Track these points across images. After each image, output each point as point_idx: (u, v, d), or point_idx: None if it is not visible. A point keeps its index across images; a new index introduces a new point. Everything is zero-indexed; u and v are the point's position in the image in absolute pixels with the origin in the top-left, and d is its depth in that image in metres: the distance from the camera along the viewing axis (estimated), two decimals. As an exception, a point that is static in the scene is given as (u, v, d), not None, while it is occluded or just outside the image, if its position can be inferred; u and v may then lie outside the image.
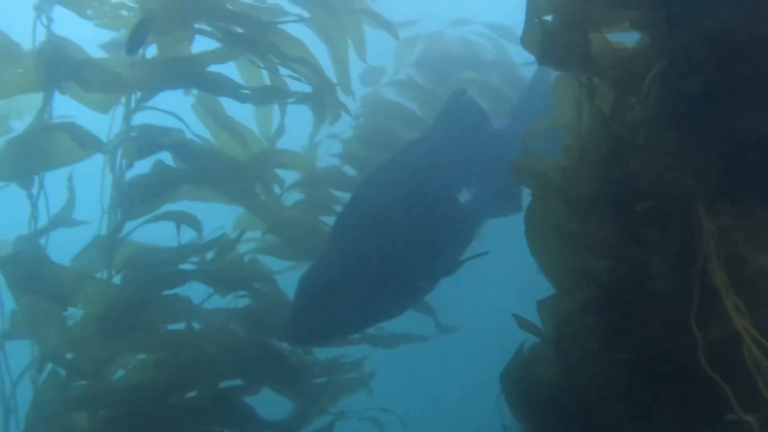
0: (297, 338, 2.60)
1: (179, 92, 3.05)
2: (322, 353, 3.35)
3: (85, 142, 2.63)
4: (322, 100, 3.21)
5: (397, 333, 3.44)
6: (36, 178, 2.62)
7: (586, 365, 1.57)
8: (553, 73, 3.54)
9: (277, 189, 3.29)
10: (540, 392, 1.84)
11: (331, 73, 3.37)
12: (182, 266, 2.99)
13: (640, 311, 1.50)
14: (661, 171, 1.42)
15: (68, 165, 2.73)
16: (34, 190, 2.63)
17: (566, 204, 1.61)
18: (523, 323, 1.67)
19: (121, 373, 2.77)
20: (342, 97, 3.33)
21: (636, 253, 1.48)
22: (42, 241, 2.64)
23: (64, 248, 2.81)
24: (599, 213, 1.57)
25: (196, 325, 2.98)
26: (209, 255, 3.07)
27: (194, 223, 3.01)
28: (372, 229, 2.64)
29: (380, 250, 2.57)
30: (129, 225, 2.91)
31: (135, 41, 2.50)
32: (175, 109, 2.98)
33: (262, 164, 3.14)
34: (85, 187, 2.89)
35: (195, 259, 3.05)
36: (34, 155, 2.58)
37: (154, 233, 3.09)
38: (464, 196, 2.83)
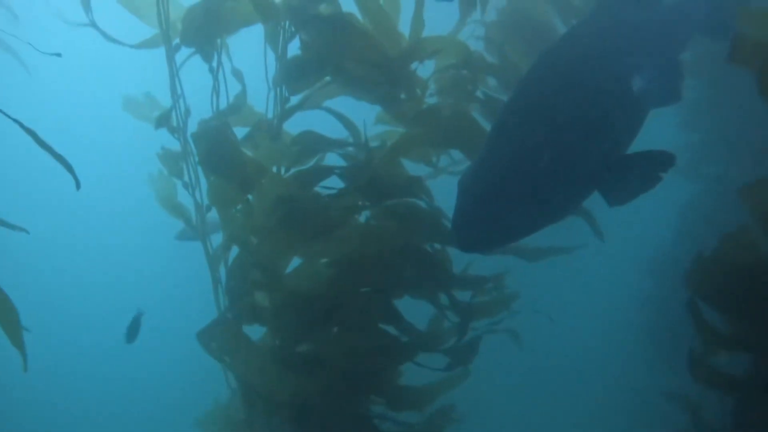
0: (463, 243, 2.34)
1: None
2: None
3: (262, 5, 2.64)
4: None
5: (543, 246, 3.44)
6: (215, 54, 2.69)
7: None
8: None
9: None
10: (742, 277, 1.82)
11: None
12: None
13: None
14: None
15: (243, 27, 2.77)
16: (215, 63, 2.71)
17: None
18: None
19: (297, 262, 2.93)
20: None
21: None
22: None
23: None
24: None
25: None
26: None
27: (348, 123, 3.05)
28: (538, 124, 2.39)
29: (548, 146, 2.31)
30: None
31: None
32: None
33: (413, 55, 3.06)
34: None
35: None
36: (214, 20, 2.63)
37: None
38: (636, 83, 2.58)
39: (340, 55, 2.90)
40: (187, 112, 2.80)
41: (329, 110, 3.20)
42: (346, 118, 3.20)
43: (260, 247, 2.80)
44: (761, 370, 2.40)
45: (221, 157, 2.63)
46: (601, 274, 8.09)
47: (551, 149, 2.31)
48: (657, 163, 2.37)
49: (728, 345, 2.52)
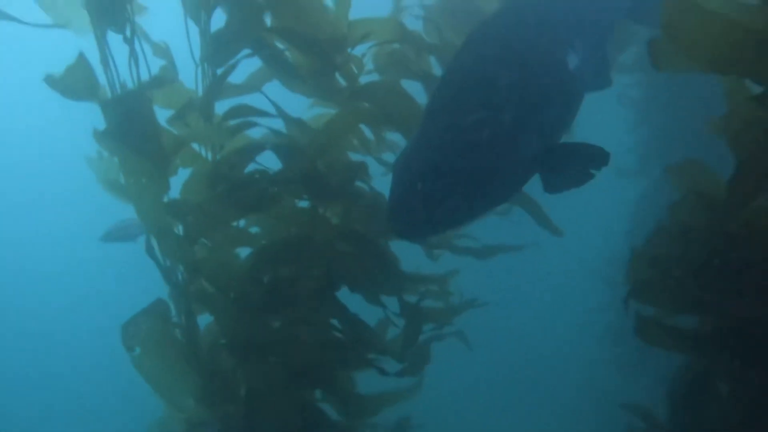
0: (398, 229, 2.20)
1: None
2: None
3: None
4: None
5: (491, 244, 3.38)
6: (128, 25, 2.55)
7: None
8: None
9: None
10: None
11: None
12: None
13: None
14: None
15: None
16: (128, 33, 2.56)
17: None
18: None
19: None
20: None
21: None
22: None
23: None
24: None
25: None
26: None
27: (280, 111, 2.97)
28: (474, 101, 2.26)
29: (485, 125, 2.20)
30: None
31: None
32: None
33: (349, 40, 2.98)
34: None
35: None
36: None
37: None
38: (572, 61, 2.49)
39: (263, 23, 2.78)
40: (123, 86, 2.63)
41: (263, 94, 3.10)
42: (278, 106, 3.10)
43: (187, 227, 2.64)
44: (709, 328, 2.37)
45: (134, 127, 2.46)
46: (560, 279, 8.11)
47: (488, 128, 2.20)
48: (592, 159, 2.25)
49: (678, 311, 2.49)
